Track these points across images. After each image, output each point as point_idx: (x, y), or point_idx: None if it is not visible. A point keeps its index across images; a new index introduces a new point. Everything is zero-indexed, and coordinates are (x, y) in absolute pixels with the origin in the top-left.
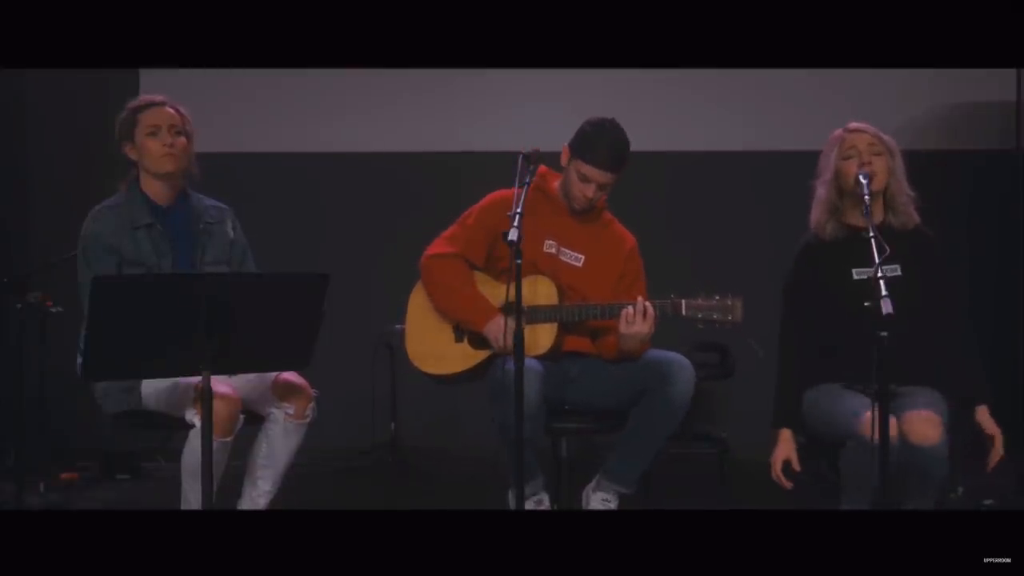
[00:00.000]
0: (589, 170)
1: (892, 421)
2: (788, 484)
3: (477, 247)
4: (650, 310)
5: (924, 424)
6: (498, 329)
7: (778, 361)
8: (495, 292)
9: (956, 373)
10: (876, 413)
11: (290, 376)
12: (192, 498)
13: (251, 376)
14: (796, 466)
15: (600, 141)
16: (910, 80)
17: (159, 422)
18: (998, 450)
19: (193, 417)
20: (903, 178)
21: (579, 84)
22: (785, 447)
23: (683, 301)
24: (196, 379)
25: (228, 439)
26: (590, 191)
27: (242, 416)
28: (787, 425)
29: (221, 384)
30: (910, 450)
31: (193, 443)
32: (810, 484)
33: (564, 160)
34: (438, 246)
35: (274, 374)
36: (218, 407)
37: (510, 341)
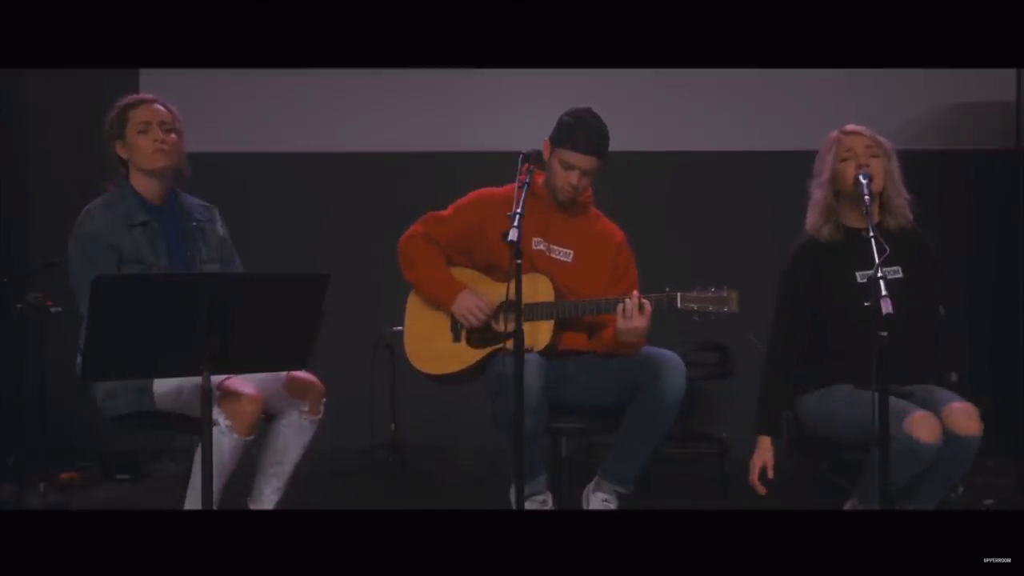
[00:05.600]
0: (571, 156)
1: (927, 416)
2: (763, 490)
3: (447, 234)
4: (647, 304)
5: (965, 416)
6: (465, 306)
7: (764, 367)
8: (492, 291)
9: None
10: (877, 412)
11: (301, 373)
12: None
13: (265, 375)
14: (771, 474)
15: (579, 127)
16: (910, 80)
17: (166, 423)
18: None
19: (217, 416)
20: (900, 180)
21: (579, 84)
22: (765, 454)
23: (679, 294)
24: (218, 378)
25: (250, 438)
26: (574, 178)
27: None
28: (769, 432)
29: (245, 384)
30: (955, 441)
31: (218, 442)
32: (810, 484)
33: (546, 154)
34: (412, 227)
35: (286, 372)
36: (244, 406)
37: (480, 318)
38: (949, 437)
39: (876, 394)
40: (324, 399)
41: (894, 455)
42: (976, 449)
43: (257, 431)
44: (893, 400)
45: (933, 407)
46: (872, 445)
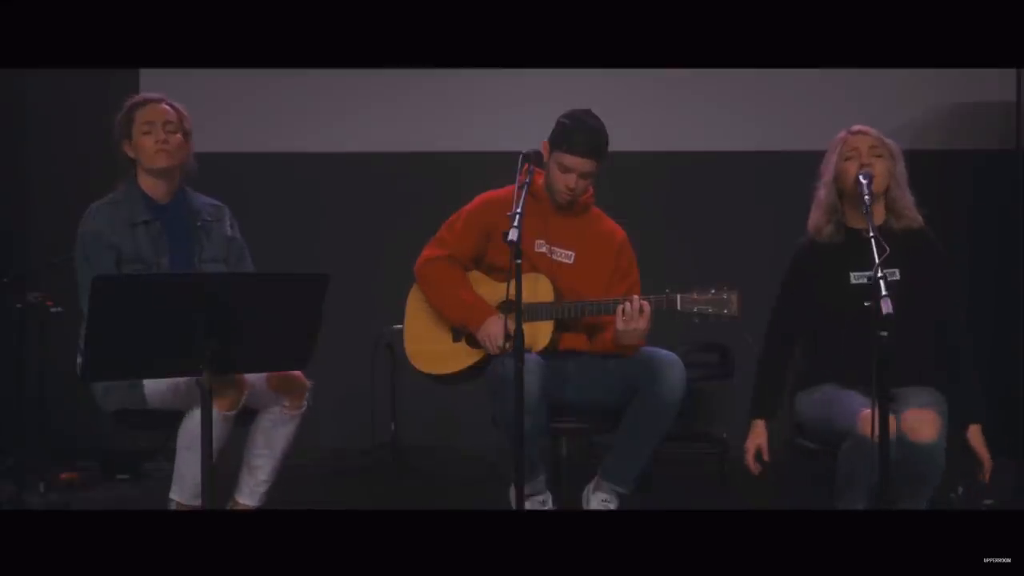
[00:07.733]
0: (569, 159)
1: (891, 419)
2: (757, 469)
3: (466, 248)
4: (646, 306)
5: (922, 422)
6: (492, 332)
7: (760, 353)
8: (492, 291)
9: (952, 389)
10: (875, 413)
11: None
12: (186, 471)
13: None
14: (766, 455)
15: (577, 130)
16: (910, 80)
17: (160, 420)
18: (987, 473)
19: None
20: (904, 182)
21: (579, 84)
22: (758, 437)
23: (679, 296)
24: None
25: (231, 414)
26: (572, 181)
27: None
28: (763, 415)
29: None
30: (907, 448)
31: (193, 417)
32: (810, 484)
33: (545, 156)
34: (429, 250)
35: None
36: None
37: (502, 343)
38: (902, 442)
39: (874, 395)
40: (308, 392)
41: (849, 451)
42: (937, 457)
43: (239, 408)
44: (851, 397)
45: (898, 410)
46: (835, 445)
